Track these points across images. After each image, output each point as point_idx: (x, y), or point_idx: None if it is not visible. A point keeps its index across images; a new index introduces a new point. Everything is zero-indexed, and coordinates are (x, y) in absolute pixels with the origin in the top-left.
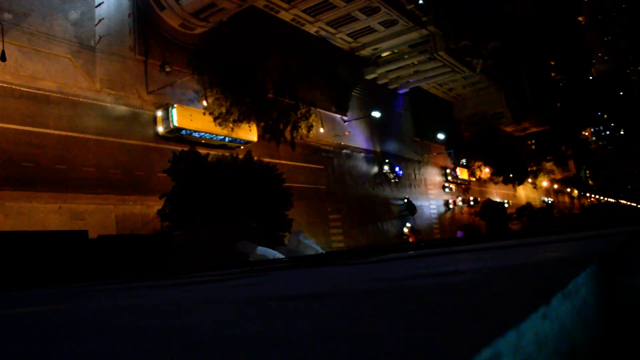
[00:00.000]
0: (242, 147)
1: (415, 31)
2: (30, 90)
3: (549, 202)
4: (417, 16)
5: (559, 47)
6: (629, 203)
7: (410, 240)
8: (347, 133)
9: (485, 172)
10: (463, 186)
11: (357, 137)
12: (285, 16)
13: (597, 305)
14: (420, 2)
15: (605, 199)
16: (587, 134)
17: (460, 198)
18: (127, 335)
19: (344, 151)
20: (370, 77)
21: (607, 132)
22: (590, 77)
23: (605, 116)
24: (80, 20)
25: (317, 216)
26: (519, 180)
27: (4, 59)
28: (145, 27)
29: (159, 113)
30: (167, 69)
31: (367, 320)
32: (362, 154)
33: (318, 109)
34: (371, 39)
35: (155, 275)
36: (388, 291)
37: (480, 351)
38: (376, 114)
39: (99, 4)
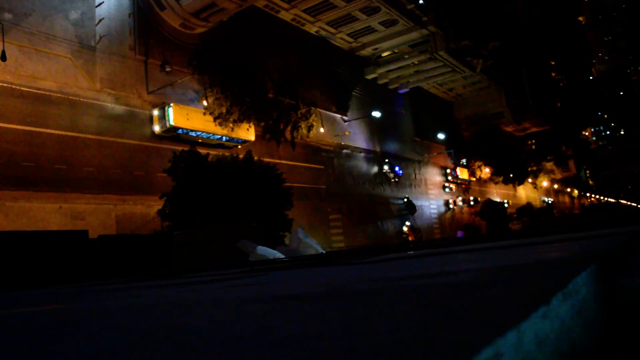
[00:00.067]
0: (239, 147)
1: (415, 31)
2: (31, 90)
3: (549, 202)
4: (418, 16)
5: (559, 47)
6: (629, 203)
7: (410, 238)
8: (347, 133)
9: (486, 172)
10: (463, 186)
11: (357, 137)
12: (286, 16)
13: (597, 305)
14: (421, 2)
15: (606, 199)
16: (587, 134)
17: (460, 198)
18: (127, 335)
19: (344, 151)
20: (370, 77)
21: (608, 132)
22: (591, 77)
23: (606, 116)
24: (80, 20)
25: (317, 216)
26: (519, 180)
27: (4, 58)
28: (145, 27)
29: (156, 112)
30: (168, 69)
31: (367, 320)
32: (362, 154)
33: (318, 109)
34: (371, 38)
35: (155, 275)
36: (388, 291)
37: (481, 351)
38: (376, 114)
39: (99, 4)
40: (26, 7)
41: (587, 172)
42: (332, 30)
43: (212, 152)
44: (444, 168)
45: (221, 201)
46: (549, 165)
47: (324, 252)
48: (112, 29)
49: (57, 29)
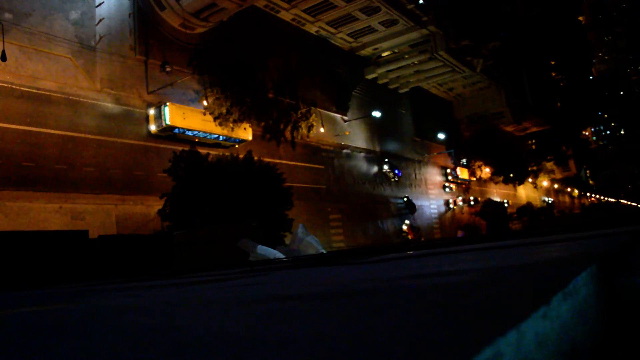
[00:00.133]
0: (236, 146)
1: (415, 31)
2: (31, 90)
3: (550, 201)
4: (418, 16)
5: (559, 47)
6: (629, 203)
7: (409, 237)
8: (347, 133)
9: (486, 171)
10: (463, 186)
11: (357, 137)
12: (286, 16)
13: (598, 305)
14: (421, 1)
15: (606, 198)
16: (587, 133)
17: (460, 198)
18: (127, 335)
19: (345, 151)
20: (370, 76)
21: (608, 132)
22: (591, 77)
23: (606, 116)
24: (80, 20)
25: (317, 216)
26: (520, 180)
27: (4, 58)
28: (145, 27)
29: (152, 111)
30: (168, 69)
31: (367, 320)
32: (363, 154)
33: (318, 109)
34: (371, 38)
35: (155, 275)
36: (388, 291)
37: (481, 351)
38: (376, 114)
39: (100, 4)
40: (26, 7)
41: (587, 171)
42: (332, 30)
43: (213, 152)
44: (444, 168)
45: (221, 201)
46: (549, 165)
47: (324, 251)
48: (112, 29)
49: (57, 29)
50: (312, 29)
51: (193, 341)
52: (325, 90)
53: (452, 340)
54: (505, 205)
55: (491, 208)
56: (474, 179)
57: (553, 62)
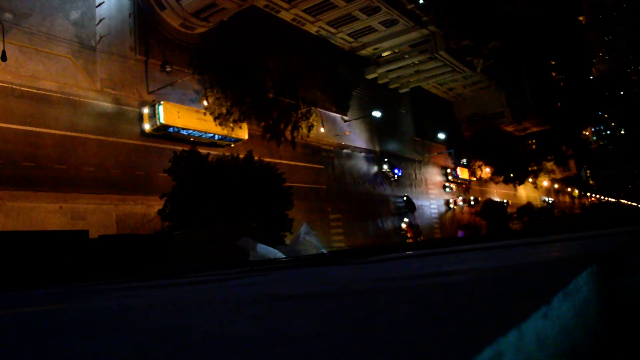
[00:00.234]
0: (232, 145)
1: (415, 31)
2: (31, 90)
3: (550, 201)
4: (418, 16)
5: (560, 47)
6: (629, 203)
7: (409, 235)
8: (347, 133)
9: (486, 171)
10: (464, 186)
11: (357, 136)
12: (286, 16)
13: (598, 305)
14: (421, 1)
15: (606, 198)
16: (587, 133)
17: (460, 198)
18: (127, 335)
19: (345, 151)
20: (370, 76)
21: (608, 132)
22: (591, 77)
23: (606, 116)
24: (80, 20)
25: (317, 216)
26: (520, 180)
27: (4, 58)
28: (145, 26)
29: (146, 110)
30: (168, 69)
31: (367, 320)
32: (363, 154)
33: (318, 109)
34: (372, 38)
35: (155, 275)
36: (388, 291)
37: (482, 351)
38: (377, 114)
39: (100, 4)
40: (26, 7)
41: (588, 171)
42: (333, 30)
43: (213, 152)
44: (444, 168)
45: (221, 201)
46: (550, 165)
47: (325, 251)
48: (113, 29)
49: (58, 29)
50: (312, 29)
51: (193, 341)
52: (325, 90)
53: (452, 340)
54: (506, 205)
55: (491, 208)
56: (474, 179)
57: (553, 62)
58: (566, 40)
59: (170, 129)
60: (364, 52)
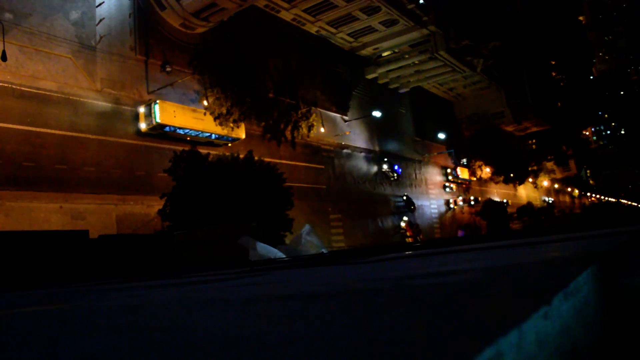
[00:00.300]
0: (229, 144)
1: (415, 31)
2: (31, 90)
3: (550, 201)
4: (418, 16)
5: (560, 47)
6: (629, 203)
7: (408, 233)
8: (347, 133)
9: (486, 171)
10: (464, 186)
11: (357, 136)
12: (286, 16)
13: (598, 305)
14: (421, 1)
15: (606, 198)
16: (587, 133)
17: (460, 198)
18: (127, 335)
19: (345, 151)
20: (370, 76)
21: (608, 132)
22: (591, 77)
23: (606, 116)
24: (81, 20)
25: (317, 216)
26: (520, 180)
27: (4, 58)
28: (145, 26)
29: (142, 109)
30: (168, 69)
31: (367, 320)
32: (363, 154)
33: (319, 109)
34: (372, 38)
35: (155, 275)
36: (388, 291)
37: (482, 351)
38: (377, 114)
39: (100, 4)
40: (26, 7)
41: (588, 171)
42: (333, 30)
43: (213, 151)
44: (444, 168)
45: (221, 201)
46: (550, 164)
47: (325, 251)
48: (113, 29)
49: (58, 29)
50: (313, 29)
51: (193, 341)
52: (325, 90)
53: (453, 340)
54: (506, 205)
55: (491, 208)
56: (474, 178)
57: (553, 62)
58: (566, 40)
59: (167, 128)
60: (364, 52)
